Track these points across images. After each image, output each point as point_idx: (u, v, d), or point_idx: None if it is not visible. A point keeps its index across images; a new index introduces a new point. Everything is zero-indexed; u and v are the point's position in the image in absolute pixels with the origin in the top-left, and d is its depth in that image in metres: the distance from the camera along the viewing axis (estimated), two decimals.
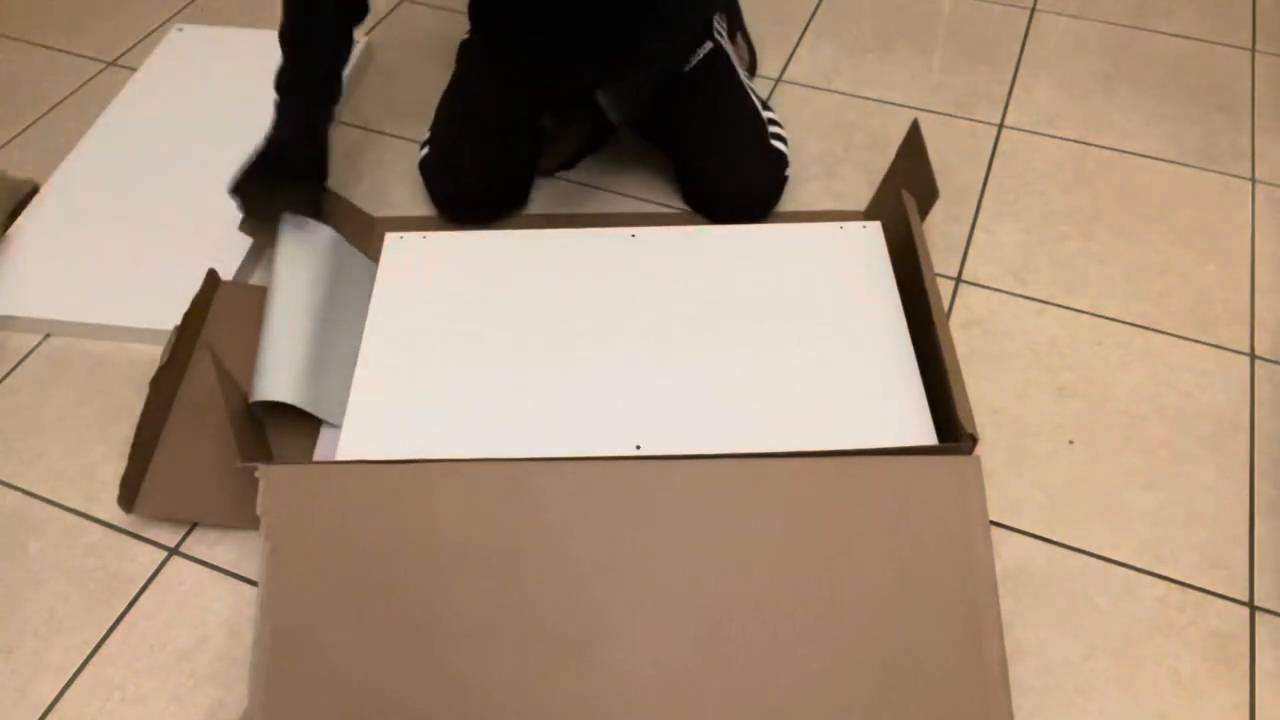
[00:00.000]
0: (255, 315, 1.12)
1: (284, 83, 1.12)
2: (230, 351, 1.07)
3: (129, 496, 0.97)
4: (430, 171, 1.28)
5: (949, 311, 1.18)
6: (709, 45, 1.26)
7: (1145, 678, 0.89)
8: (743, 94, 1.28)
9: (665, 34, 1.16)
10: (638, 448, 0.94)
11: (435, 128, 1.30)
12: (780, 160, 1.26)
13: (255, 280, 1.23)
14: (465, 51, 1.33)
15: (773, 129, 1.27)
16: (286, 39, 1.11)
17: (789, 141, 1.31)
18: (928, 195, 1.10)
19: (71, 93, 1.52)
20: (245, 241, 1.22)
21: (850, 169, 1.36)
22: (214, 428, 1.01)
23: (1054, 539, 0.98)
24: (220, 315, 1.13)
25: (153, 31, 1.64)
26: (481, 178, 1.26)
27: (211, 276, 1.14)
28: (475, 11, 1.31)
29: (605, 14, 1.19)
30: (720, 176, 1.24)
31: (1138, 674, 0.89)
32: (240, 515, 0.96)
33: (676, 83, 1.22)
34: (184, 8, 1.69)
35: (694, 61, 1.24)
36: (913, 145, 1.14)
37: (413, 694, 0.79)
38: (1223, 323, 1.17)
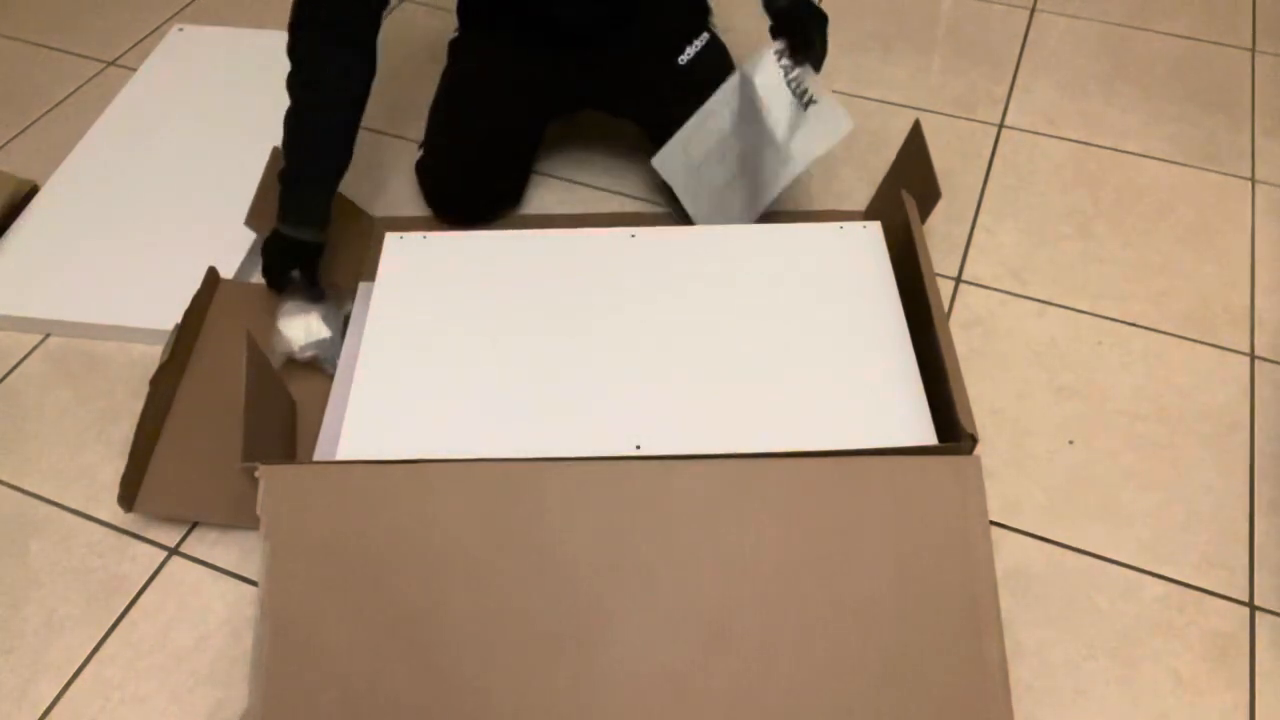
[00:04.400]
0: (255, 313, 1.12)
1: (289, 178, 1.11)
2: (231, 349, 1.07)
3: (129, 495, 0.97)
4: (424, 174, 1.28)
5: (949, 311, 1.18)
6: (705, 37, 1.26)
7: (1145, 678, 0.89)
8: None
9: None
10: (638, 448, 0.94)
11: (428, 129, 1.29)
12: None
13: (256, 279, 1.22)
14: (454, 51, 1.32)
15: None
16: (292, 127, 1.11)
17: None
18: (929, 195, 1.10)
19: (71, 93, 1.52)
20: (246, 241, 1.22)
21: (850, 169, 1.36)
22: (214, 426, 1.01)
23: (1054, 539, 0.98)
24: (220, 313, 1.13)
25: (153, 31, 1.64)
26: (473, 179, 1.26)
27: (211, 275, 1.14)
28: (463, 11, 1.31)
29: (588, 15, 1.19)
30: None
31: (1138, 674, 0.89)
32: (240, 515, 0.96)
33: (673, 73, 1.22)
34: (184, 8, 1.69)
35: (690, 54, 1.23)
36: (914, 145, 1.14)
37: (412, 693, 0.79)
38: (1223, 323, 1.17)
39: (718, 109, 1.18)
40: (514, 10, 1.21)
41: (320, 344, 1.09)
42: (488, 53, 1.27)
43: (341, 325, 1.12)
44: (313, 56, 1.09)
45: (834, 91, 1.49)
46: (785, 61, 1.13)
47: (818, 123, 1.14)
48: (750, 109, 1.16)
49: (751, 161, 1.18)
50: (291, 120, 1.10)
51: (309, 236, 1.12)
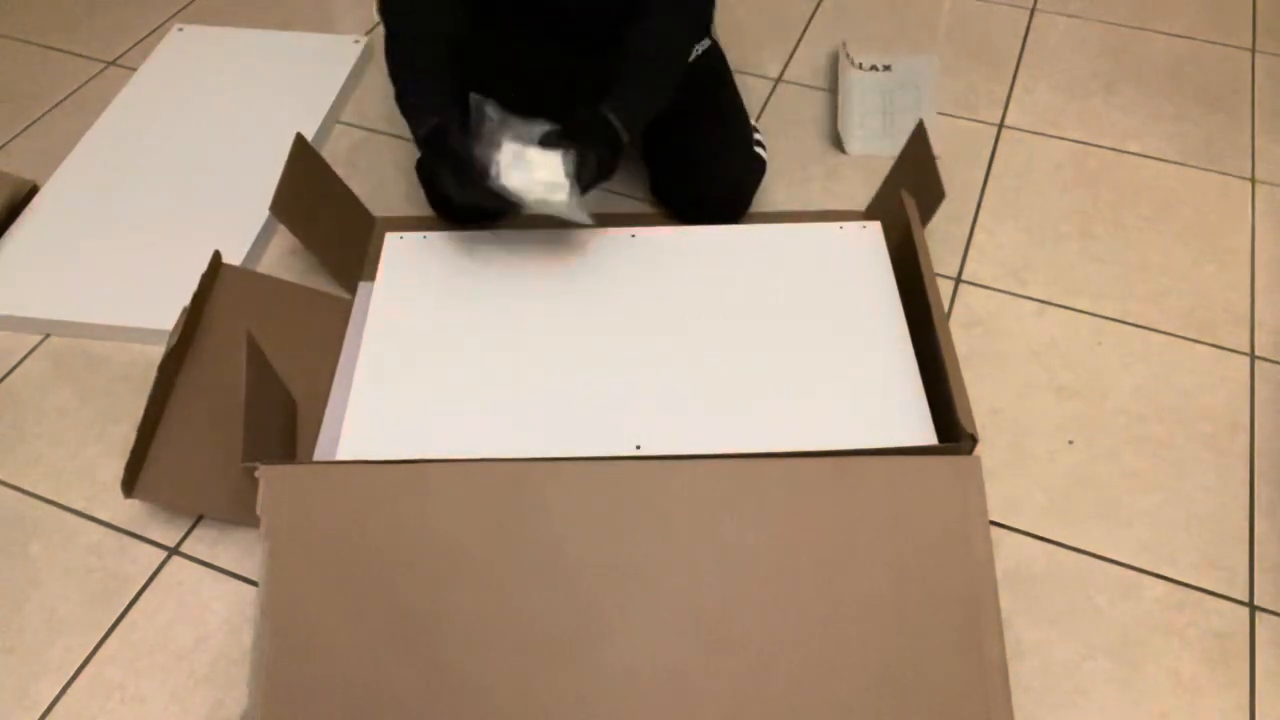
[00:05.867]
0: (257, 301, 1.11)
1: (407, 93, 1.07)
2: (232, 337, 1.06)
3: (130, 481, 0.96)
4: (425, 173, 1.28)
5: (949, 311, 1.18)
6: (706, 42, 1.26)
7: (1145, 678, 0.89)
8: (735, 94, 1.28)
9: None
10: (638, 448, 0.94)
11: None
12: (761, 166, 1.26)
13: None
14: (459, 51, 1.32)
15: (755, 135, 1.28)
16: (395, 53, 1.08)
17: (767, 148, 1.31)
18: (933, 196, 1.10)
19: (71, 93, 1.52)
20: (247, 241, 1.22)
21: (850, 169, 1.36)
22: (215, 417, 1.00)
23: (1054, 539, 0.98)
24: (222, 299, 1.10)
25: (153, 31, 1.64)
26: None
27: (215, 259, 1.12)
28: (473, 5, 1.31)
29: (596, 17, 1.19)
30: (707, 174, 1.22)
31: (1138, 674, 0.89)
32: (240, 510, 0.95)
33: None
34: (184, 8, 1.69)
35: (691, 57, 1.23)
36: (918, 145, 1.14)
37: (412, 693, 0.79)
38: (1223, 323, 1.17)
39: (848, 90, 1.43)
40: (517, 12, 1.20)
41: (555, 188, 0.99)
42: (492, 52, 1.27)
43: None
44: None
45: (834, 92, 1.50)
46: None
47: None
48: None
49: (893, 97, 1.43)
50: (392, 45, 1.09)
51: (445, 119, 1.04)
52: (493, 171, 0.98)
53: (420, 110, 1.05)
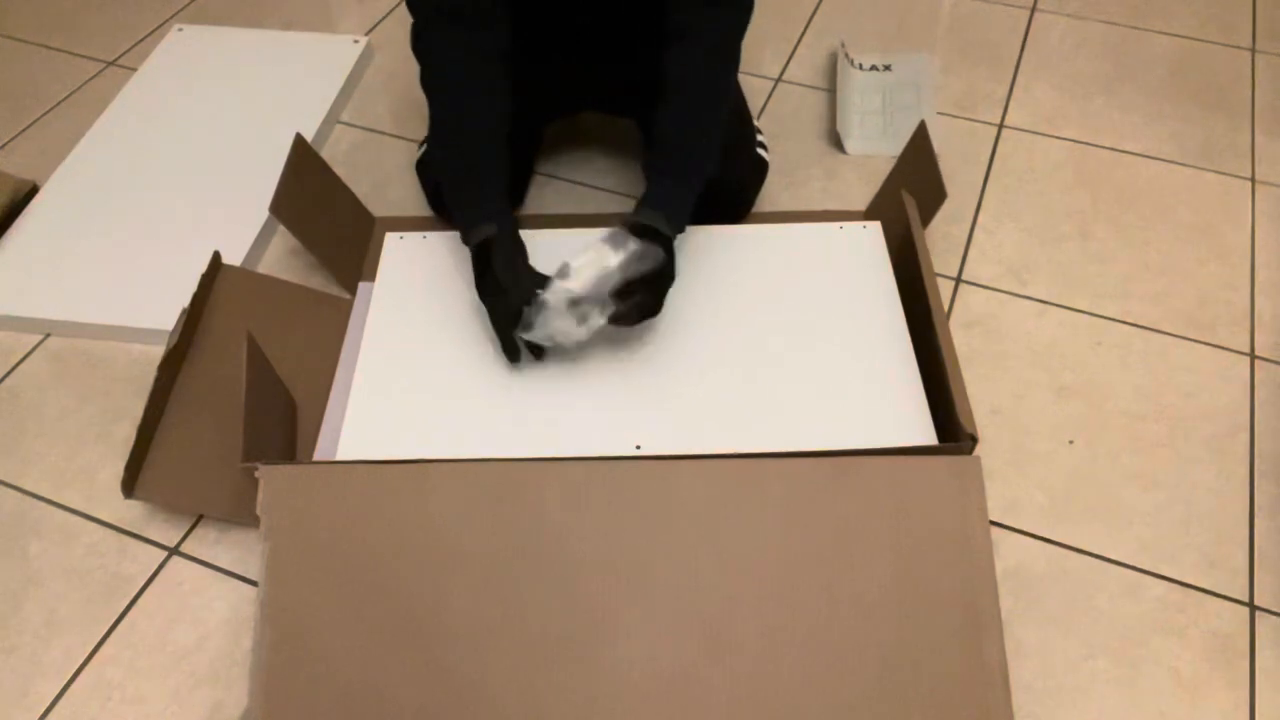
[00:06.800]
0: (256, 301, 1.11)
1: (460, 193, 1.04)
2: (232, 337, 1.06)
3: (130, 481, 0.96)
4: (425, 171, 1.28)
5: (949, 311, 1.18)
6: None
7: (1145, 678, 0.89)
8: (737, 95, 1.27)
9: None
10: (638, 448, 0.94)
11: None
12: (763, 166, 1.26)
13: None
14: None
15: (757, 136, 1.28)
16: (440, 134, 1.04)
17: (768, 149, 1.31)
18: (935, 196, 1.10)
19: (71, 93, 1.52)
20: (246, 241, 1.22)
21: (850, 169, 1.36)
22: (215, 417, 1.00)
23: (1054, 539, 0.98)
24: (221, 299, 1.10)
25: (153, 31, 1.64)
26: None
27: (215, 259, 1.12)
28: None
29: (600, 21, 1.19)
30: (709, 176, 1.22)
31: (1138, 674, 0.89)
32: (240, 510, 0.95)
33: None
34: (184, 8, 1.69)
35: None
36: (919, 146, 1.14)
37: (412, 694, 0.79)
38: (1223, 323, 1.17)
39: (847, 90, 1.44)
40: (531, 16, 1.20)
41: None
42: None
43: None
44: (440, 52, 1.04)
45: (834, 92, 1.50)
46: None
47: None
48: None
49: (894, 95, 1.45)
50: (440, 135, 1.06)
51: (501, 227, 1.01)
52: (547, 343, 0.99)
53: (471, 214, 1.03)
